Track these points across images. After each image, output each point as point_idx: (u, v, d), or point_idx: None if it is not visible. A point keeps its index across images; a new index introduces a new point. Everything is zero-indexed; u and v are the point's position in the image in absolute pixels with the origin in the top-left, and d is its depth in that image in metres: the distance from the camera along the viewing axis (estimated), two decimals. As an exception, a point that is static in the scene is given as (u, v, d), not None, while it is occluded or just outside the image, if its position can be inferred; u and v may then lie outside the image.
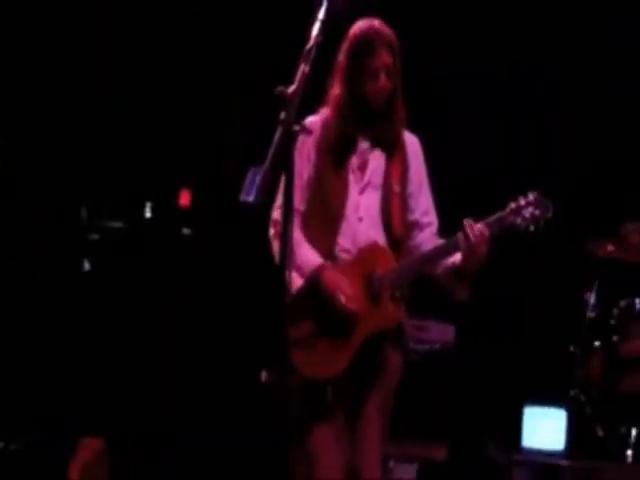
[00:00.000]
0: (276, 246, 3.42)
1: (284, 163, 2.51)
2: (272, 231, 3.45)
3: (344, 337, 3.32)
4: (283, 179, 2.66)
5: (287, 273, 2.62)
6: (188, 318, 5.78)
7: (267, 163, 2.45)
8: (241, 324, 5.86)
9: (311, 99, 3.04)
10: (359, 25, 3.44)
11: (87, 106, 6.08)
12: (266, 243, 3.47)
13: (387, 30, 3.41)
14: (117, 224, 5.89)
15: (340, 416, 3.39)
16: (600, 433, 5.41)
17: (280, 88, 2.60)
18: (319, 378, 3.33)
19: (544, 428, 5.32)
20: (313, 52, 2.67)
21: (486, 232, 3.26)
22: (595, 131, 6.15)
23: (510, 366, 5.85)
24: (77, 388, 5.40)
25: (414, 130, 3.53)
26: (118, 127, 6.17)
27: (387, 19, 3.47)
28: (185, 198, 6.22)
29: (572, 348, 5.54)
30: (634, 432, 5.25)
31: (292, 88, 2.61)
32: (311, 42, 2.69)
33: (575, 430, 5.36)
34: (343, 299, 3.30)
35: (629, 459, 5.25)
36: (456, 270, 3.37)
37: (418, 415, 5.10)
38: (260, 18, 6.09)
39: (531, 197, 3.31)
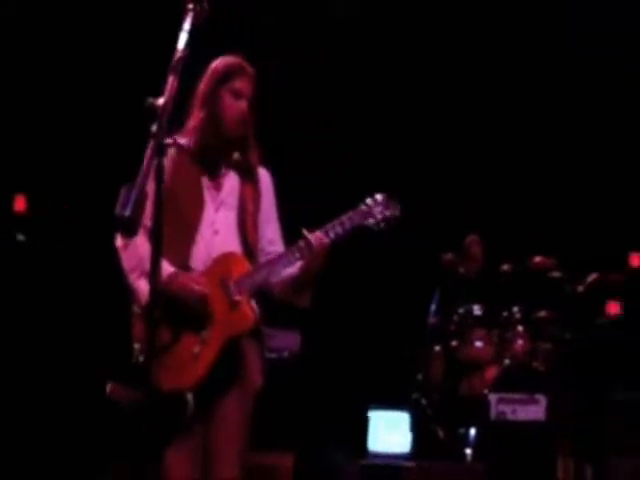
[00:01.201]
0: (124, 256, 3.37)
1: (156, 175, 2.46)
2: (120, 242, 3.40)
3: (202, 343, 3.30)
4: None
5: (154, 287, 2.55)
6: (25, 328, 5.57)
7: (140, 177, 2.40)
8: (82, 334, 5.70)
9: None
10: (225, 57, 3.50)
11: None
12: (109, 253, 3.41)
13: (252, 68, 3.50)
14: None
15: (198, 426, 3.36)
16: (441, 434, 5.59)
17: (150, 100, 2.55)
18: (179, 389, 3.27)
19: (389, 432, 5.44)
20: (181, 64, 2.63)
21: (325, 240, 3.34)
22: (448, 144, 6.40)
23: (354, 372, 5.98)
24: None
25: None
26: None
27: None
28: (20, 204, 6.01)
29: (414, 353, 5.71)
30: (472, 432, 5.45)
31: (161, 100, 2.55)
32: (178, 54, 2.65)
33: (421, 432, 5.52)
34: (196, 287, 3.30)
35: (469, 458, 5.45)
36: (295, 281, 3.43)
37: (265, 423, 5.10)
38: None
39: (380, 198, 3.43)
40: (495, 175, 6.50)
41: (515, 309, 5.71)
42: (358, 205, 3.41)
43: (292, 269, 3.43)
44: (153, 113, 2.54)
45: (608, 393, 5.49)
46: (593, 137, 6.57)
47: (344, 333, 6.10)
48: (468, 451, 5.47)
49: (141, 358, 3.18)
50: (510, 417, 5.40)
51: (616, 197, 6.55)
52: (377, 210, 3.40)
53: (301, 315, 5.52)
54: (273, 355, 5.28)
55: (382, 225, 3.40)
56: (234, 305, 3.32)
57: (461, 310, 5.74)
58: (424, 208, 6.18)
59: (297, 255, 3.38)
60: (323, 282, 5.88)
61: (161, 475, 3.30)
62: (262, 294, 3.47)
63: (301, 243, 3.36)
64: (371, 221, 3.39)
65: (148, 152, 2.49)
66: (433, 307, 5.77)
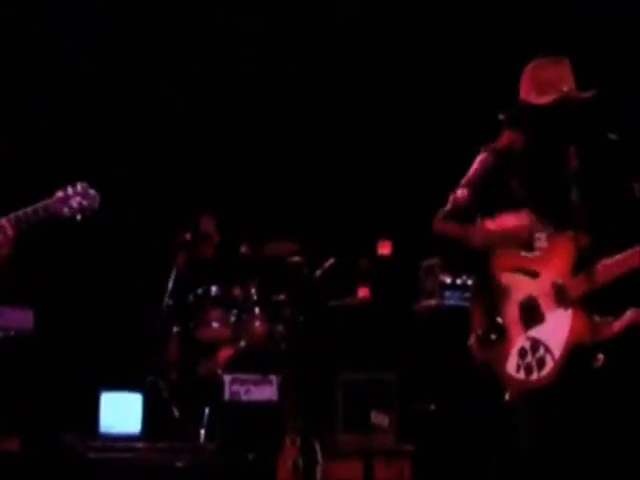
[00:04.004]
0: None
1: None
2: None
3: None
4: None
5: None
6: None
7: None
8: None
9: None
10: None
11: None
12: None
13: None
14: None
15: None
16: (177, 415, 5.60)
17: None
18: None
19: (121, 413, 5.40)
20: None
21: (9, 231, 3.27)
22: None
23: (85, 352, 5.89)
24: None
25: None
26: None
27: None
28: None
29: (149, 334, 5.69)
30: (207, 412, 5.50)
31: None
32: None
33: (152, 413, 5.50)
34: None
35: (202, 437, 5.49)
36: None
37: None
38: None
39: (79, 187, 3.39)
40: (241, 157, 6.55)
41: (252, 291, 5.80)
42: (55, 193, 3.37)
43: None
44: None
45: (336, 373, 5.71)
46: (340, 122, 6.73)
47: (75, 312, 5.99)
48: (202, 431, 5.52)
49: None
50: (244, 397, 5.49)
51: (368, 187, 6.76)
52: (75, 200, 3.36)
53: (34, 292, 5.41)
54: (-1, 334, 5.11)
55: (78, 216, 3.37)
56: None
57: (199, 291, 5.77)
58: (160, 187, 6.19)
59: None
60: (60, 258, 5.77)
61: None
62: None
63: None
64: (66, 210, 3.35)
65: None
66: (169, 287, 5.76)
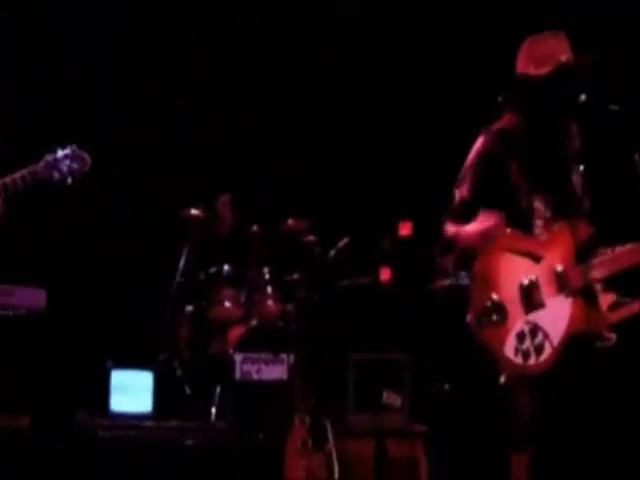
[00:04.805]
0: None
1: None
2: None
3: None
4: None
5: None
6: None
7: None
8: None
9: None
10: None
11: None
12: None
13: None
14: None
15: None
16: (189, 393, 5.61)
17: None
18: None
19: (131, 391, 5.41)
20: None
21: None
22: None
23: (97, 330, 5.91)
24: None
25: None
26: None
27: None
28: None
29: (161, 312, 5.69)
30: (218, 390, 5.50)
31: None
32: None
33: (164, 391, 5.51)
34: None
35: (213, 416, 5.50)
36: None
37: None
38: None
39: (68, 150, 3.31)
40: (257, 136, 6.51)
41: (265, 270, 5.77)
42: (44, 157, 3.31)
43: None
44: None
45: (348, 353, 5.67)
46: (359, 104, 6.66)
47: (87, 290, 6.00)
48: (213, 409, 5.53)
49: None
50: (255, 376, 5.48)
51: (388, 168, 6.70)
52: (64, 163, 3.29)
53: (45, 271, 5.42)
54: (10, 313, 5.11)
55: (69, 180, 3.31)
56: None
57: (211, 269, 5.75)
58: (174, 166, 6.17)
59: None
60: (72, 237, 5.75)
61: None
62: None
63: None
64: (56, 175, 3.29)
65: None
66: (181, 265, 5.75)
